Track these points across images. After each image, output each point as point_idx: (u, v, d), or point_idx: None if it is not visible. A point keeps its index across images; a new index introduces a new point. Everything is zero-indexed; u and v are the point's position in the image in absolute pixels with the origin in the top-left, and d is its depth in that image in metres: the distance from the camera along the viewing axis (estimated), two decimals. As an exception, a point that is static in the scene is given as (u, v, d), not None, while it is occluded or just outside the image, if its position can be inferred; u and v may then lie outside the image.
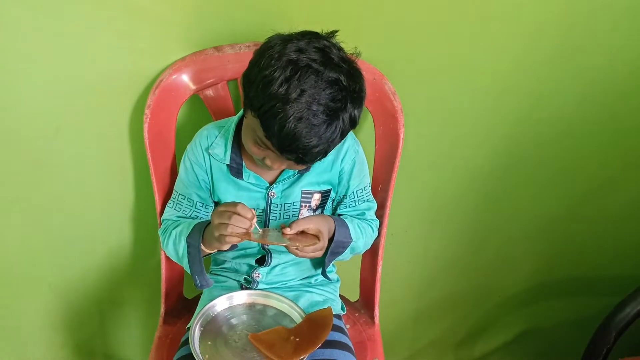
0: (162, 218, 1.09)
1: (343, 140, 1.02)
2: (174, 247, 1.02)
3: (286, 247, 0.95)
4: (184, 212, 1.06)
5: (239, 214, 0.89)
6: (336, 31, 0.89)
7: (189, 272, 1.02)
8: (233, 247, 0.99)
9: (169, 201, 1.08)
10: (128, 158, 1.18)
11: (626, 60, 1.17)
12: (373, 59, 1.10)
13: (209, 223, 0.97)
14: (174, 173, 1.13)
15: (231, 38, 1.08)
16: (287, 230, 0.94)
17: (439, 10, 1.09)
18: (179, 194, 1.06)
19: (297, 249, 0.94)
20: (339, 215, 1.08)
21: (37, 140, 1.13)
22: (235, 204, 0.91)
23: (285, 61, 0.82)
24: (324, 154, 0.88)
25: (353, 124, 0.88)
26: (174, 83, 1.07)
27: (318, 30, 0.89)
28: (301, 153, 0.85)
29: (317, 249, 0.96)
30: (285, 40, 0.85)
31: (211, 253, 1.02)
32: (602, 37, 1.13)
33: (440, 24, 1.10)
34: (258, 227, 0.93)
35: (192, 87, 1.09)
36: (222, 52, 1.08)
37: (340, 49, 0.87)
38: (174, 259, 1.05)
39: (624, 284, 1.35)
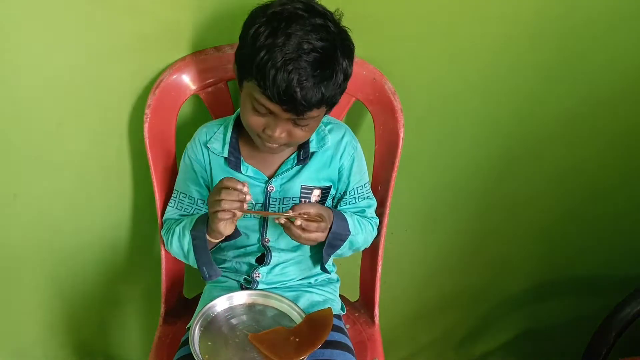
0: (163, 218, 1.09)
1: (342, 136, 1.04)
2: (178, 243, 1.02)
3: (287, 227, 0.94)
4: (185, 209, 1.06)
5: (228, 187, 0.90)
6: None
7: (195, 266, 1.01)
8: (237, 234, 0.99)
9: (170, 200, 1.08)
10: (128, 158, 1.18)
11: (626, 61, 1.17)
12: (373, 59, 1.11)
13: None
14: (174, 173, 1.12)
15: (231, 38, 1.08)
16: (290, 212, 0.94)
17: (440, 10, 1.09)
18: (180, 192, 1.06)
19: (301, 225, 0.93)
20: (339, 211, 1.08)
21: (39, 136, 1.13)
22: (223, 179, 0.91)
23: (270, 14, 0.85)
24: (322, 100, 0.87)
25: (345, 75, 0.89)
26: (174, 83, 1.07)
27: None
28: (299, 97, 0.85)
29: (320, 228, 0.96)
30: (265, 4, 0.88)
31: (218, 244, 1.02)
32: (602, 38, 1.13)
33: (441, 24, 1.10)
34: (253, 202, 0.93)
35: (192, 87, 1.09)
36: (222, 52, 1.08)
37: (322, 7, 0.89)
38: (179, 256, 1.05)
39: (624, 284, 1.35)
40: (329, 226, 0.98)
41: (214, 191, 0.92)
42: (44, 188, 1.20)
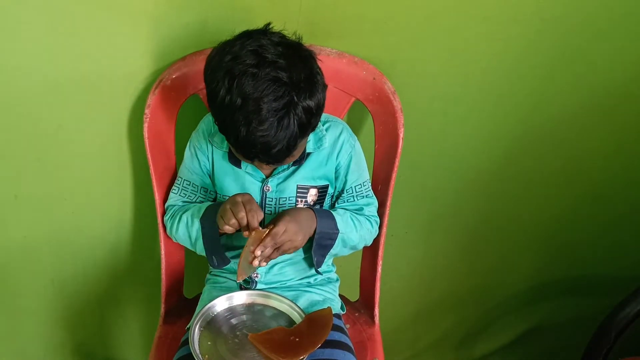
0: (166, 204, 1.10)
1: (339, 134, 1.04)
2: (186, 230, 1.03)
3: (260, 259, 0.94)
4: (189, 197, 1.07)
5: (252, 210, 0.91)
6: (269, 24, 0.90)
7: (203, 253, 1.02)
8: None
9: (173, 187, 1.09)
10: (128, 158, 1.18)
11: (626, 62, 1.17)
12: (373, 59, 1.11)
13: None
14: (174, 173, 1.13)
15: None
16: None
17: (440, 11, 1.09)
18: (184, 179, 1.07)
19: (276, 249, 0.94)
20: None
21: (39, 137, 1.14)
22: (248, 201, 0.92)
23: (223, 72, 0.85)
24: (289, 150, 0.88)
25: (311, 113, 0.87)
26: (174, 83, 1.07)
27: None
28: (265, 155, 0.87)
29: (278, 233, 0.93)
30: (221, 50, 0.87)
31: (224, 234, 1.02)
32: (602, 39, 1.13)
33: (441, 24, 1.10)
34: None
35: (192, 87, 1.09)
36: (222, 52, 1.08)
37: (277, 44, 0.87)
38: (185, 243, 1.06)
39: (624, 284, 1.35)
40: (286, 226, 0.94)
41: (236, 205, 0.92)
42: (45, 189, 1.20)
